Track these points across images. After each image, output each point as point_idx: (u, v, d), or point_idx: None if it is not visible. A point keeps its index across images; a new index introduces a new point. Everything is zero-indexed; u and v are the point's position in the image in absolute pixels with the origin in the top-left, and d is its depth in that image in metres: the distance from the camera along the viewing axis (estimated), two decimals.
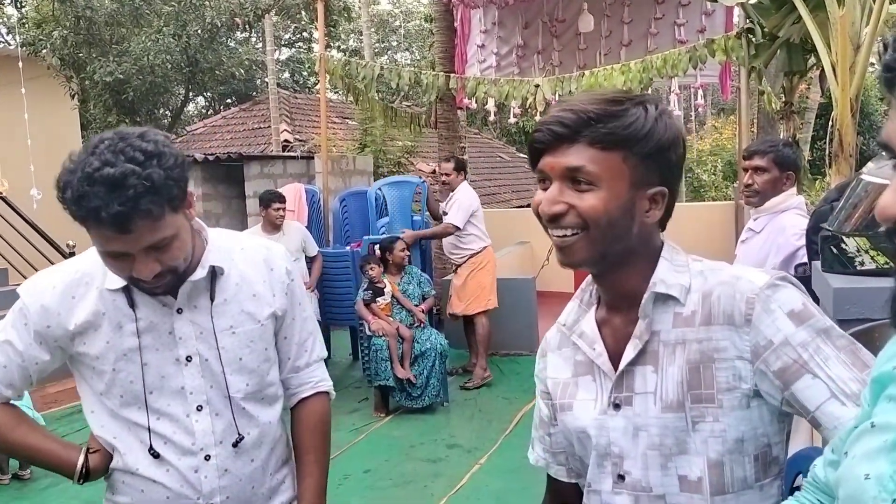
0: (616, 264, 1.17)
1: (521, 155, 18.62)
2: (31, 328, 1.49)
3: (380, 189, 7.35)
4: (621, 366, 1.16)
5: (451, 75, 7.34)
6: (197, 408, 1.51)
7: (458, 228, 6.25)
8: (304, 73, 21.55)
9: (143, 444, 1.51)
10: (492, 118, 7.61)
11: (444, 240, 6.55)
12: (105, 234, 1.32)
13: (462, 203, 6.33)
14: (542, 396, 1.34)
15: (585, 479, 1.25)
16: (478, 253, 6.40)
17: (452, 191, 6.42)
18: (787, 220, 2.94)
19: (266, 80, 14.58)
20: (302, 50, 21.70)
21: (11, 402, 1.59)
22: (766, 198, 3.01)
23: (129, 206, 1.27)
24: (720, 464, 1.11)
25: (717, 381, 1.10)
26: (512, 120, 7.78)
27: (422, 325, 5.80)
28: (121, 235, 1.31)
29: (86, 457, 1.53)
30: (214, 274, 1.51)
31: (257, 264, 1.57)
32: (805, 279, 2.27)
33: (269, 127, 12.35)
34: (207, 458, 1.51)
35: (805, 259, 2.69)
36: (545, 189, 1.16)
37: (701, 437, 1.11)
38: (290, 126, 12.52)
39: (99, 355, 1.49)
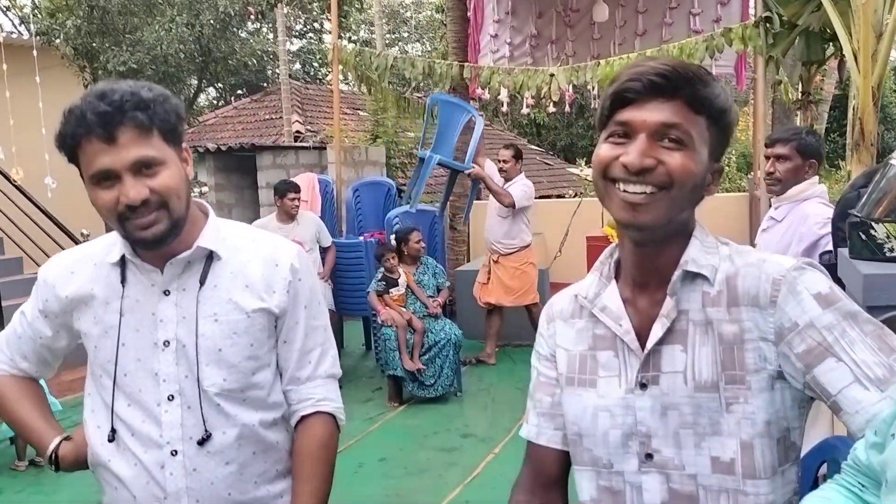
0: (669, 234, 1.15)
1: (533, 147, 18.57)
2: (38, 302, 1.54)
3: (435, 104, 6.90)
4: (649, 345, 1.14)
5: (466, 65, 7.31)
6: (168, 397, 1.42)
7: (513, 206, 6.15)
8: (315, 65, 21.55)
9: (110, 433, 1.45)
10: (504, 109, 7.57)
11: (492, 227, 6.43)
12: (93, 148, 1.32)
13: (527, 190, 6.27)
14: (548, 359, 1.29)
15: (589, 457, 1.21)
16: (526, 247, 6.39)
17: (509, 180, 6.29)
18: (809, 208, 2.91)
19: (277, 70, 14.59)
20: (313, 41, 21.70)
21: (36, 380, 1.61)
22: (788, 186, 2.99)
23: (115, 108, 1.30)
24: (751, 446, 1.09)
25: (745, 363, 1.09)
26: (525, 111, 7.77)
27: (436, 317, 5.79)
28: (107, 145, 1.30)
29: (59, 444, 1.52)
30: (211, 259, 1.46)
31: (261, 257, 1.49)
32: (830, 268, 2.24)
33: (281, 118, 12.36)
34: (174, 453, 1.41)
35: (829, 247, 2.66)
36: (618, 143, 1.13)
37: (734, 419, 1.09)
38: (301, 117, 12.53)
39: (87, 332, 1.48)
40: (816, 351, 1.06)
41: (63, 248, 6.92)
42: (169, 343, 1.43)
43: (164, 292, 1.44)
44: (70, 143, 1.34)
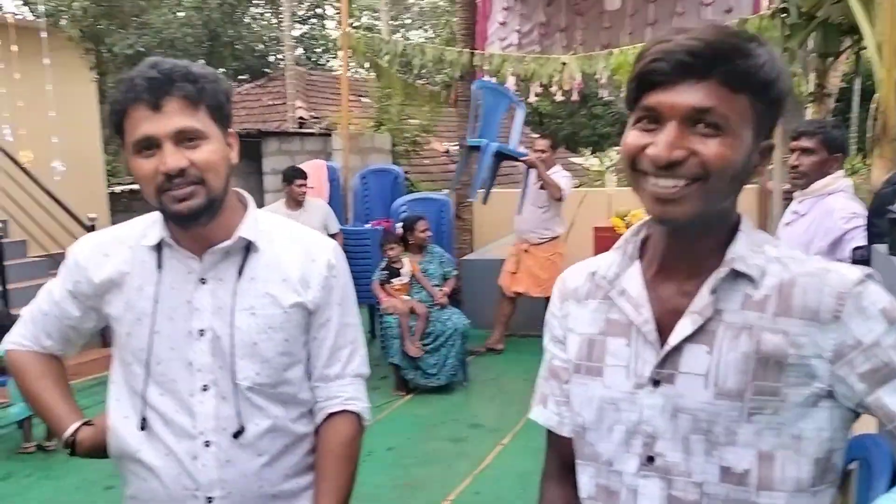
0: (706, 225, 1.05)
1: (535, 136, 18.53)
2: (67, 282, 1.51)
3: (479, 90, 6.87)
4: (673, 340, 1.05)
5: (476, 52, 7.25)
6: (202, 387, 1.39)
7: (560, 200, 6.16)
8: (318, 50, 21.41)
9: (141, 421, 1.42)
10: (517, 97, 7.50)
11: (525, 216, 6.39)
12: (138, 115, 1.31)
13: (570, 181, 6.28)
14: (561, 342, 1.22)
15: (590, 452, 1.15)
16: (557, 238, 6.37)
17: (546, 170, 6.22)
18: (834, 202, 2.88)
19: (280, 56, 14.48)
20: (315, 27, 21.55)
21: (59, 358, 1.59)
22: (813, 180, 2.96)
23: (164, 76, 1.31)
24: (771, 457, 1.01)
25: (785, 377, 1.00)
26: (532, 99, 7.69)
27: (441, 307, 5.76)
28: (152, 112, 1.30)
29: (78, 428, 1.49)
30: (249, 250, 1.43)
31: (298, 252, 1.46)
32: (863, 263, 2.21)
33: (285, 104, 12.28)
34: (207, 444, 1.39)
35: (855, 243, 2.63)
36: (647, 130, 1.02)
37: (755, 429, 1.01)
38: (305, 103, 12.45)
39: (119, 317, 1.44)
40: (883, 371, 0.98)
41: (69, 233, 6.91)
42: (204, 332, 1.40)
43: (201, 280, 1.41)
44: (118, 108, 1.33)
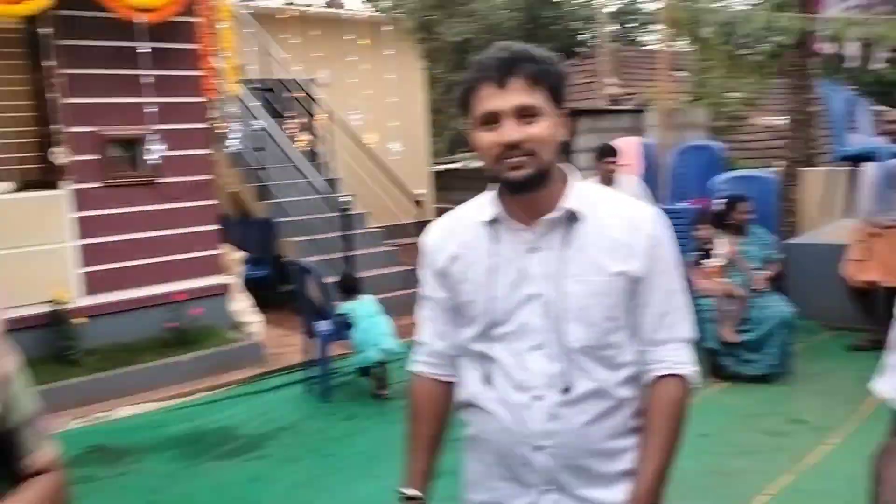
0: None
1: (879, 108, 16.37)
2: (428, 270, 1.68)
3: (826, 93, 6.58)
4: None
5: (814, 16, 6.60)
6: (534, 347, 1.52)
7: None
8: (630, 26, 21.02)
9: (484, 375, 1.57)
10: (856, 64, 6.70)
11: (879, 196, 5.75)
12: (485, 92, 1.46)
13: None
14: None
15: None
16: None
17: None
18: None
19: (593, 34, 14.49)
20: (629, 2, 21.17)
21: (449, 379, 1.69)
22: None
23: (510, 58, 1.46)
24: None
25: None
26: (879, 66, 6.81)
27: (761, 292, 5.40)
28: (497, 89, 1.44)
29: (411, 497, 1.64)
30: (574, 220, 1.52)
31: (622, 220, 1.54)
32: None
33: (596, 81, 12.31)
34: (538, 398, 1.51)
35: None
36: None
37: None
38: (618, 80, 12.35)
39: (463, 287, 1.59)
40: None
41: (401, 207, 7.67)
42: (536, 297, 1.52)
43: (532, 249, 1.53)
44: (467, 87, 1.50)
